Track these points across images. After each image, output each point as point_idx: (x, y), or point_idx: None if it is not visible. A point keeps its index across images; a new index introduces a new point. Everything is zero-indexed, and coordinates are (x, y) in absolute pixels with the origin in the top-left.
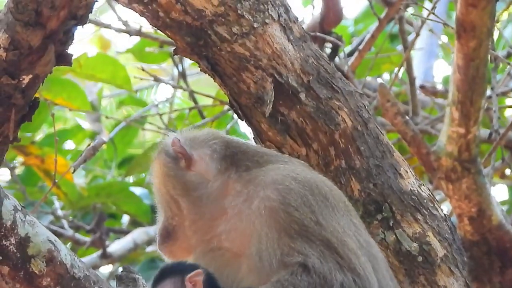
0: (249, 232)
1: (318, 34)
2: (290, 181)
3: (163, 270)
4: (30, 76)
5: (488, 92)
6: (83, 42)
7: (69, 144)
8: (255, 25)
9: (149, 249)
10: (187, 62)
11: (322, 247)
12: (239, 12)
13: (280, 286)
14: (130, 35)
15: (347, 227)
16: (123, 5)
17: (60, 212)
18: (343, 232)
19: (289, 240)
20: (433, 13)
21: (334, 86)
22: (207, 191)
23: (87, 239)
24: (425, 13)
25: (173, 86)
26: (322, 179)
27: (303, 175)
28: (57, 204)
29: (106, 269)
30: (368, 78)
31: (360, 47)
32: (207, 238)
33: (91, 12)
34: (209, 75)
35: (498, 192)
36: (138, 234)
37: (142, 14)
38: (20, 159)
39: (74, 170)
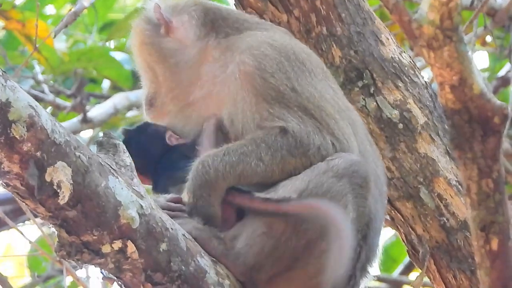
0: (223, 96)
1: None
2: (266, 47)
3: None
4: None
5: None
6: None
7: (50, 9)
8: None
9: (129, 114)
10: None
11: (300, 112)
12: None
13: (252, 142)
14: None
15: (325, 91)
16: None
17: (40, 77)
18: (320, 97)
19: (267, 105)
20: None
21: None
22: (184, 57)
23: (68, 103)
24: None
25: None
26: (300, 45)
27: (281, 41)
28: (37, 68)
29: (86, 134)
30: None
31: None
32: (183, 104)
33: None
34: None
35: (479, 59)
36: (118, 99)
37: None
38: (0, 23)
39: (55, 35)
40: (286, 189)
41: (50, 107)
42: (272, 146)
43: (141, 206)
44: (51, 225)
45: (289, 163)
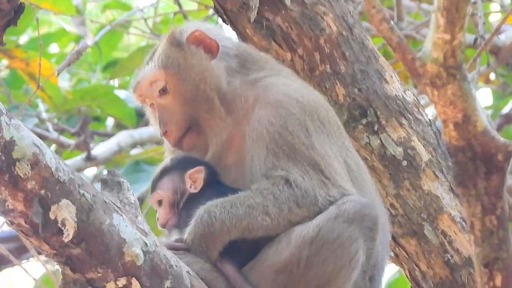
0: (242, 146)
1: None
2: (294, 105)
3: (164, 168)
4: None
5: None
6: None
7: (54, 48)
8: None
9: (133, 152)
10: None
11: (308, 167)
12: None
13: (258, 194)
14: None
15: (339, 153)
16: None
17: (44, 115)
18: (334, 158)
19: (275, 158)
20: None
21: None
22: (223, 86)
23: (72, 141)
24: None
25: None
26: (321, 101)
27: (307, 97)
28: (41, 107)
29: (90, 172)
30: None
31: None
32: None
33: None
34: None
35: (482, 97)
36: (122, 137)
37: None
38: (4, 62)
39: (59, 73)
40: (299, 236)
41: (54, 145)
42: (279, 197)
43: (146, 244)
44: (55, 263)
45: (296, 214)
